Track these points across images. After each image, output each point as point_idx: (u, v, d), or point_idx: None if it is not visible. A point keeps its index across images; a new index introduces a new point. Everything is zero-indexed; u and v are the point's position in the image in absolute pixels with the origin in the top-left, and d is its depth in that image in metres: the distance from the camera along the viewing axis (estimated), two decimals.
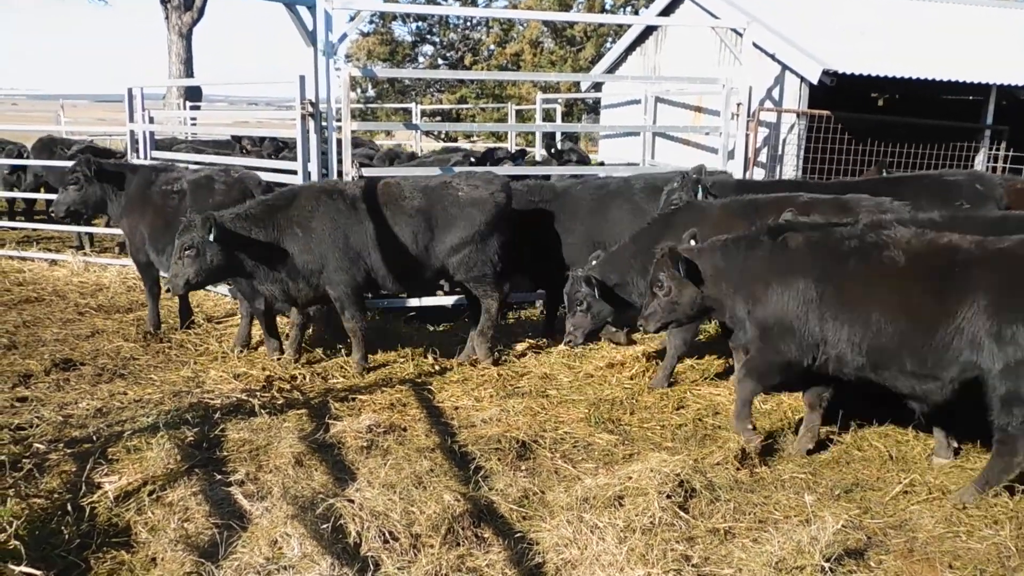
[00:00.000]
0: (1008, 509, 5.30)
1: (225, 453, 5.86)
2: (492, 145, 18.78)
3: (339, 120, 8.78)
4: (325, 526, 4.70)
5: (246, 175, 8.71)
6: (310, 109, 8.49)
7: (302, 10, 8.35)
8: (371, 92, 37.32)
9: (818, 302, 5.61)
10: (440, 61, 37.76)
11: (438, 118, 32.49)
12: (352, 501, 4.95)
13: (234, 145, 15.23)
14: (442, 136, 33.35)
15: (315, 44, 8.45)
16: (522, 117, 24.63)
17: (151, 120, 11.53)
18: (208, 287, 9.03)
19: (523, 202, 8.59)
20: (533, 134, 20.09)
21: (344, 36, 8.68)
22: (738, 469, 5.82)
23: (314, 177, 8.64)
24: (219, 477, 5.43)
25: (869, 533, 5.06)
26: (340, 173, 8.82)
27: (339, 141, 8.82)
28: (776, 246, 5.85)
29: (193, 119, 23.82)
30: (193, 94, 32.43)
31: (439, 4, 35.34)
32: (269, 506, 5.03)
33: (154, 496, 5.16)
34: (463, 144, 28.33)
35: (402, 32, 37.95)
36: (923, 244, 5.48)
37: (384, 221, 7.52)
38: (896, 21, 14.20)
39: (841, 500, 5.49)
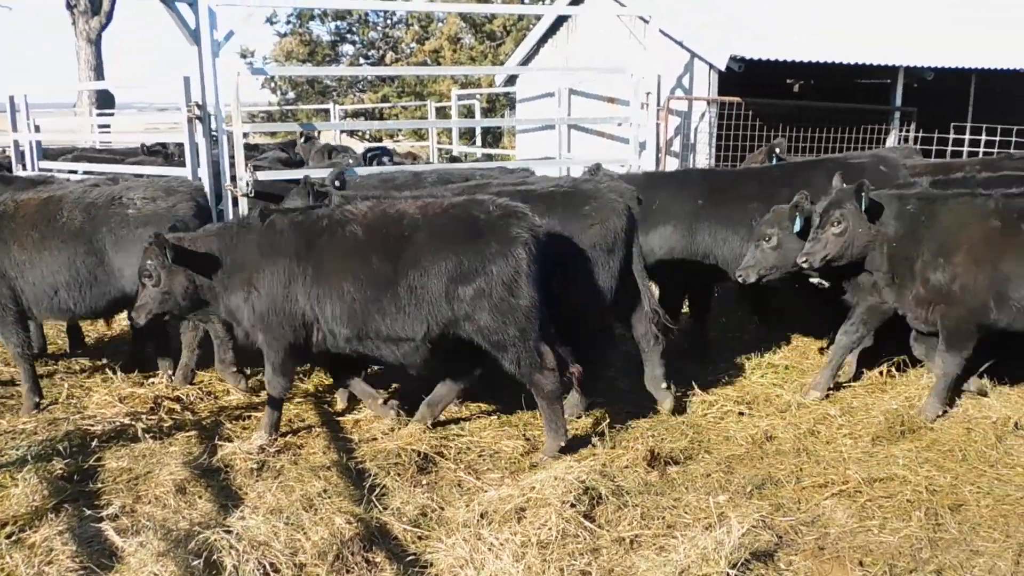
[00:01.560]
0: (920, 498, 5.19)
1: (100, 485, 5.43)
2: (375, 145, 18.36)
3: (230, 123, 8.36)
4: (197, 562, 4.33)
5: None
6: (197, 112, 8.04)
7: (182, 7, 7.89)
8: (291, 94, 36.50)
9: (302, 281, 5.73)
10: (362, 60, 37.13)
11: (362, 118, 31.86)
12: (230, 532, 4.57)
13: (139, 152, 14.60)
14: (367, 136, 32.80)
15: (199, 43, 8.00)
16: (444, 114, 24.24)
17: (37, 129, 10.91)
18: None
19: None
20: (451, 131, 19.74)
21: (231, 34, 8.21)
22: (648, 471, 5.61)
23: (206, 183, 8.18)
24: (89, 512, 5.00)
25: (780, 532, 4.88)
26: (234, 178, 8.39)
27: (232, 144, 8.39)
28: (264, 230, 5.89)
29: (103, 126, 23.03)
30: (105, 101, 31.35)
31: None
32: (143, 541, 4.64)
33: (13, 538, 4.73)
34: (387, 143, 27.85)
35: (321, 32, 37.23)
36: (377, 215, 5.75)
37: (34, 245, 6.59)
38: (807, 5, 14.21)
39: (753, 498, 5.31)
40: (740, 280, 6.84)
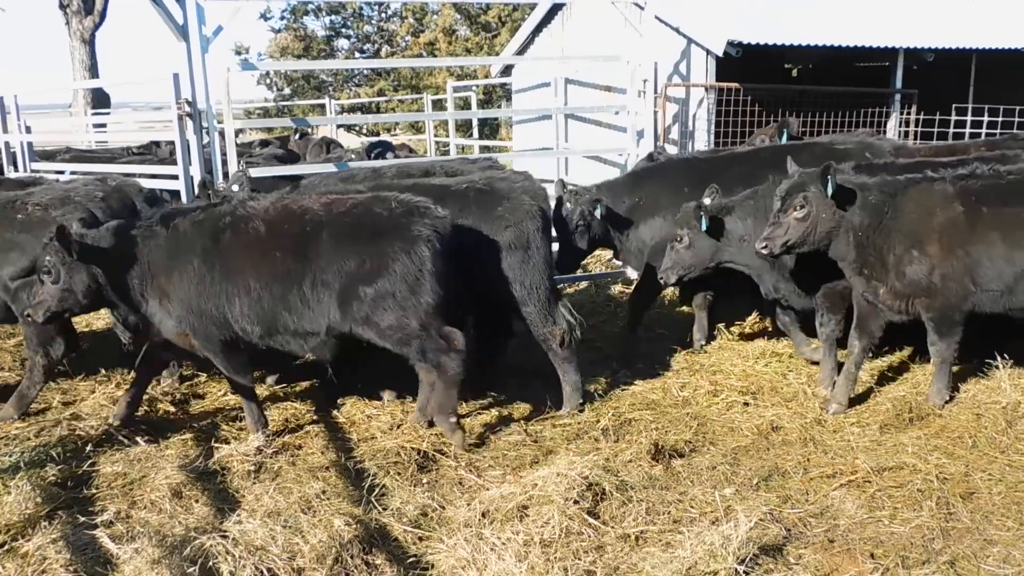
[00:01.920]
0: (930, 487, 5.08)
1: (94, 490, 5.31)
2: (376, 139, 18.17)
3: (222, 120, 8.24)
4: (193, 569, 4.24)
5: (125, 183, 8.06)
6: (187, 109, 7.92)
7: (169, 3, 7.77)
8: (287, 90, 36.34)
9: (210, 280, 5.65)
10: (357, 54, 36.98)
11: (358, 112, 31.74)
12: (226, 536, 4.48)
13: (152, 150, 14.43)
14: (364, 131, 32.66)
15: (187, 39, 7.88)
16: (440, 107, 24.09)
17: (28, 130, 10.78)
18: None
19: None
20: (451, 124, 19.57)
21: (219, 29, 8.09)
22: (652, 465, 5.50)
23: (197, 179, 8.07)
24: (83, 519, 4.89)
25: (788, 525, 4.78)
26: (226, 175, 8.28)
27: (224, 142, 8.28)
28: (168, 234, 5.79)
29: (100, 125, 22.89)
30: (101, 100, 31.20)
31: None
32: (139, 548, 4.54)
33: (6, 548, 4.63)
34: (384, 137, 27.71)
35: (316, 27, 37.06)
36: (279, 211, 5.72)
37: None
38: None
39: (760, 490, 5.21)
40: (663, 282, 6.89)
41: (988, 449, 5.59)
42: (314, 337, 5.70)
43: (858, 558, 4.44)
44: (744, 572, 4.18)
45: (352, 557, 4.43)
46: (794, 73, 18.57)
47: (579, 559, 4.36)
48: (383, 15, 36.69)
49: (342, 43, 37.52)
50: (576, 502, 4.82)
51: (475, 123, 20.25)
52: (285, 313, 5.61)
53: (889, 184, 6.11)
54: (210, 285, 5.66)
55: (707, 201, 6.63)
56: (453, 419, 5.78)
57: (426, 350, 5.61)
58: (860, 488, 5.17)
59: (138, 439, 5.94)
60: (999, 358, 6.45)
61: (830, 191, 5.87)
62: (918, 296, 6.03)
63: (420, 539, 4.68)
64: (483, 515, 4.76)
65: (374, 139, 22.01)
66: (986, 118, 11.40)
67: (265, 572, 4.26)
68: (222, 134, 8.51)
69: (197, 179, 8.08)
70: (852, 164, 6.43)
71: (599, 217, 7.46)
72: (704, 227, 6.50)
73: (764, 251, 6.07)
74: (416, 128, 28.64)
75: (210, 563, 4.29)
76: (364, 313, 5.52)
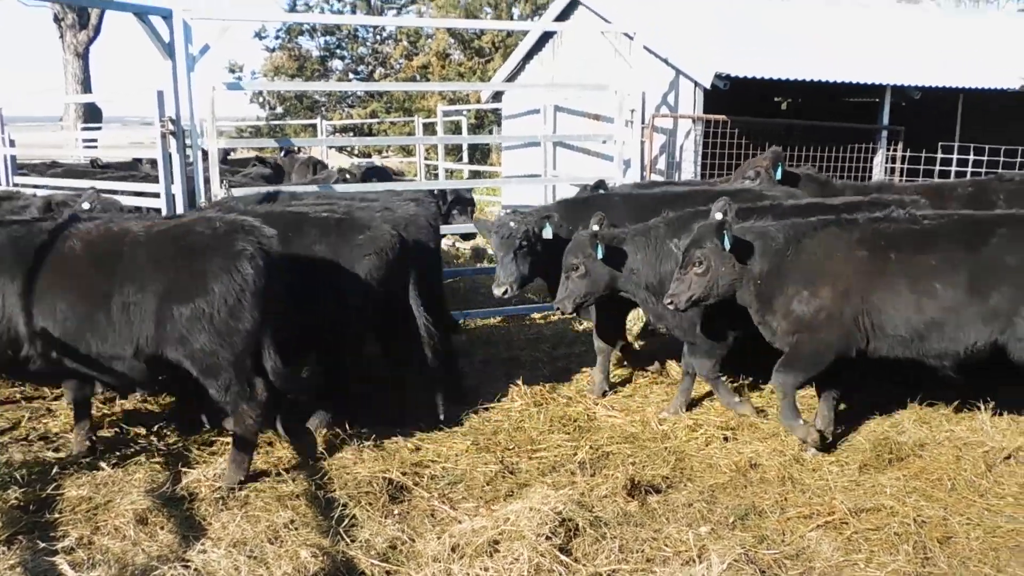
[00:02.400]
0: (908, 531, 5.01)
1: (58, 515, 5.19)
2: (368, 162, 18.21)
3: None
4: None
5: (103, 200, 8.00)
6: (170, 127, 7.86)
7: (156, 20, 7.73)
8: (279, 109, 36.35)
9: (23, 297, 5.40)
10: (351, 75, 37.05)
11: (350, 133, 31.82)
12: (188, 566, 4.39)
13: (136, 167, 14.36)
14: (355, 152, 32.67)
15: (173, 57, 7.84)
16: (432, 131, 24.12)
17: (12, 143, 10.70)
18: None
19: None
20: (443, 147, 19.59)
21: (206, 48, 8.05)
22: (627, 501, 5.42)
23: (179, 199, 8.00)
24: (43, 545, 4.77)
25: (763, 567, 4.70)
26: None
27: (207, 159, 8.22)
28: None
29: (90, 140, 22.84)
30: (92, 115, 31.16)
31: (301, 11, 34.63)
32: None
33: None
34: (375, 159, 27.73)
35: (310, 47, 37.12)
36: (101, 232, 5.55)
37: None
38: (794, 23, 14.17)
39: (736, 529, 5.14)
40: (559, 312, 7.02)
41: (967, 492, 5.53)
42: (122, 361, 5.47)
43: None
44: None
45: None
46: (783, 107, 18.68)
47: None
48: (378, 37, 36.80)
49: (336, 64, 37.63)
50: (548, 538, 4.74)
51: (465, 147, 20.23)
52: (90, 337, 5.38)
53: (798, 228, 6.09)
54: (15, 301, 5.41)
55: (595, 227, 6.64)
56: (242, 476, 5.56)
57: (231, 388, 5.42)
58: (837, 530, 5.10)
59: (102, 464, 5.82)
60: (981, 401, 6.41)
61: (727, 245, 5.88)
62: (801, 332, 5.96)
63: (387, 573, 4.59)
64: (453, 549, 4.67)
65: (366, 160, 22.09)
66: (972, 156, 11.44)
67: None
68: (206, 152, 8.45)
69: (179, 196, 8.01)
70: (736, 207, 6.41)
71: (546, 236, 7.23)
72: (600, 256, 6.56)
73: (671, 307, 6.07)
74: (407, 151, 28.67)
75: None
76: (179, 333, 5.31)
